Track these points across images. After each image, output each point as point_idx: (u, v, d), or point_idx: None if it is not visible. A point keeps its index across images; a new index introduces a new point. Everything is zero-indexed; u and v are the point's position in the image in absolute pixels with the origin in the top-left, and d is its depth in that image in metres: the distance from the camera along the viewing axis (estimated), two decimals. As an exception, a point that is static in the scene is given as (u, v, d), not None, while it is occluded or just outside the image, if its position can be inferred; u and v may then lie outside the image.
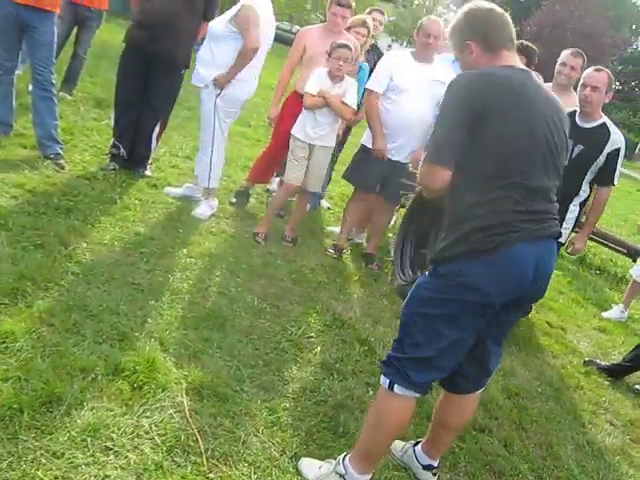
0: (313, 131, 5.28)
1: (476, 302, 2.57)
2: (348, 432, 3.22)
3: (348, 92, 5.26)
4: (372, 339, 4.23)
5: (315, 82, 5.24)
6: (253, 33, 5.22)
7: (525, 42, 5.28)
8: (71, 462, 2.52)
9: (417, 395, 2.73)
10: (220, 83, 5.33)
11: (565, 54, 5.48)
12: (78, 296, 3.66)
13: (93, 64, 9.47)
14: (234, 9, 5.26)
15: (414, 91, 5.23)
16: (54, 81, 5.67)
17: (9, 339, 3.09)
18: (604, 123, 4.87)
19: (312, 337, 4.07)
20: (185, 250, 4.70)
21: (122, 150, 5.91)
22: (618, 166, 4.90)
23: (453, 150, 2.54)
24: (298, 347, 3.90)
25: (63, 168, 5.48)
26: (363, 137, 5.61)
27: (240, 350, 3.65)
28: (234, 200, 6.16)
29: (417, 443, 3.17)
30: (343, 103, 5.24)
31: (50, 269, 3.84)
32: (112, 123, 5.97)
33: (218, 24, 5.35)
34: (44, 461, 2.48)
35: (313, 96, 5.21)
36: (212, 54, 5.34)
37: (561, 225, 4.37)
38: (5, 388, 2.77)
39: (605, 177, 4.93)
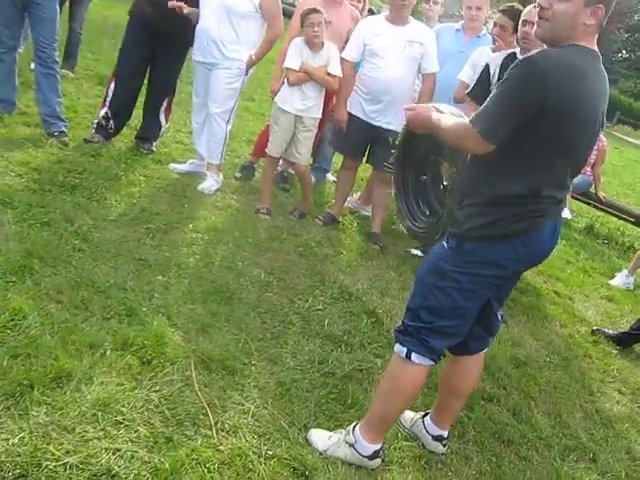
0: (301, 103, 5.19)
1: (497, 276, 2.66)
2: (357, 403, 3.24)
3: (332, 61, 5.14)
4: (380, 311, 4.23)
5: (294, 55, 5.12)
6: (281, 21, 5.33)
7: (517, 5, 5.13)
8: (82, 436, 2.54)
9: (432, 362, 2.75)
10: (252, 64, 5.38)
11: None
12: (85, 273, 3.67)
13: (95, 41, 9.42)
14: None
15: (390, 53, 5.14)
16: (57, 58, 5.63)
17: (18, 316, 3.09)
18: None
19: (319, 310, 4.07)
20: (191, 225, 4.70)
21: (111, 123, 5.85)
22: None
23: (507, 132, 2.42)
24: (306, 320, 3.91)
25: (67, 145, 5.46)
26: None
27: (248, 323, 3.66)
28: (239, 175, 6.14)
29: (426, 414, 3.19)
30: (328, 74, 5.15)
31: (57, 246, 3.84)
32: (109, 94, 5.90)
33: (242, 2, 5.26)
34: (55, 436, 2.50)
35: (296, 72, 5.11)
36: (236, 33, 5.31)
37: None
38: (15, 365, 2.78)
39: None
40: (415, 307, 2.73)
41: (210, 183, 5.54)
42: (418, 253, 5.39)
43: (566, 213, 8.25)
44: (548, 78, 2.33)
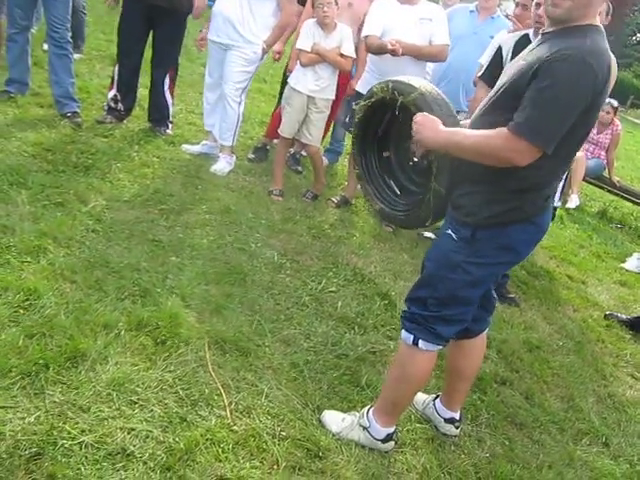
0: (314, 84, 5.17)
1: (510, 262, 2.72)
2: (370, 385, 3.24)
3: (345, 42, 5.12)
4: (392, 293, 4.22)
5: (306, 36, 5.11)
6: (292, 6, 5.38)
7: None
8: (97, 415, 2.55)
9: (440, 347, 2.75)
10: (265, 52, 5.43)
11: None
12: (99, 253, 3.68)
13: (107, 22, 9.40)
14: None
15: (401, 32, 5.07)
16: (70, 39, 5.62)
17: (32, 296, 3.11)
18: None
19: (333, 291, 4.07)
20: (204, 206, 4.70)
21: (120, 104, 5.87)
22: None
23: (559, 138, 2.32)
24: (319, 301, 3.91)
25: (80, 126, 5.47)
26: (357, 83, 5.51)
27: (261, 305, 3.67)
28: (252, 156, 6.13)
29: (437, 396, 3.19)
30: (341, 55, 5.13)
31: (71, 227, 3.85)
32: (115, 76, 5.91)
33: None
34: (71, 414, 2.52)
35: (308, 53, 5.09)
36: (253, 16, 5.33)
37: None
38: (30, 344, 2.80)
39: None
40: (423, 297, 2.70)
41: (223, 165, 5.53)
42: (431, 236, 5.37)
43: (575, 200, 8.21)
44: (597, 74, 2.27)
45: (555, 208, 5.98)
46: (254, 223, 4.67)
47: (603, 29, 2.42)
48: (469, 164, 2.49)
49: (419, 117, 2.62)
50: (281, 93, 6.35)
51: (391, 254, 4.93)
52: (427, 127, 2.58)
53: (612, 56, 2.47)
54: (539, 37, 2.53)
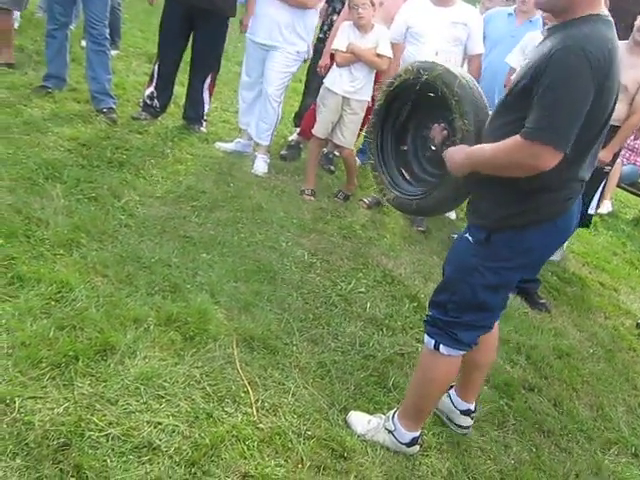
0: (350, 84, 5.15)
1: (528, 265, 2.63)
2: (397, 387, 3.24)
3: (381, 42, 5.08)
4: (422, 296, 4.20)
5: (342, 37, 5.11)
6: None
7: None
8: (125, 408, 2.58)
9: (463, 352, 2.72)
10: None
11: None
12: (131, 248, 3.71)
13: (144, 20, 9.50)
14: None
15: (434, 35, 5.05)
16: (108, 35, 5.68)
17: (64, 289, 3.15)
18: None
19: (362, 292, 4.07)
20: (236, 204, 4.71)
21: (156, 101, 5.92)
22: None
23: (574, 136, 2.26)
24: (348, 302, 3.91)
25: (115, 122, 5.52)
26: None
27: (290, 303, 3.67)
28: (285, 153, 6.14)
29: (450, 388, 3.14)
30: (377, 55, 5.09)
31: (104, 221, 3.89)
32: (155, 74, 5.94)
33: None
34: (99, 407, 2.54)
35: (344, 53, 5.09)
36: (297, 17, 5.37)
37: None
38: (61, 336, 2.83)
39: None
40: (443, 300, 2.68)
41: (262, 164, 5.55)
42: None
43: (607, 206, 8.08)
44: (593, 60, 2.20)
45: (590, 215, 5.91)
46: (285, 222, 4.68)
47: (609, 17, 2.36)
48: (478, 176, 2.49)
49: (448, 151, 2.60)
50: (304, 91, 6.37)
51: (421, 256, 4.91)
52: (455, 157, 2.57)
53: (617, 40, 2.35)
54: (545, 33, 2.49)
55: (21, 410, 2.42)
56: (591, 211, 5.87)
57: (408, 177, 3.16)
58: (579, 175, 2.46)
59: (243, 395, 2.86)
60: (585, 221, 5.93)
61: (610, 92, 2.32)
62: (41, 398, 2.51)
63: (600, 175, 5.57)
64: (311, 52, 5.61)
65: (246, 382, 2.93)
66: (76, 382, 2.63)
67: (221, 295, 3.54)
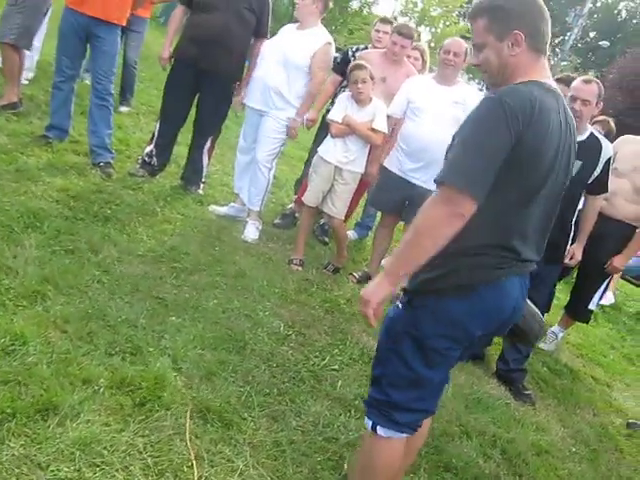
0: (343, 155, 5.12)
1: (456, 338, 2.38)
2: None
3: (377, 116, 5.07)
4: (398, 378, 4.04)
5: (339, 108, 5.12)
6: (324, 74, 5.48)
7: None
8: (55, 475, 2.43)
9: (403, 435, 2.52)
10: (300, 115, 5.48)
11: None
12: (99, 305, 3.60)
13: (162, 79, 9.53)
14: (315, 43, 5.32)
15: (433, 112, 5.03)
16: (112, 91, 5.72)
17: (18, 342, 3.03)
18: (592, 133, 4.69)
19: (335, 370, 3.91)
20: (219, 268, 4.60)
21: (154, 159, 5.89)
22: (610, 175, 4.80)
23: (488, 184, 2.16)
24: (318, 379, 3.75)
25: (110, 176, 5.49)
26: (385, 159, 5.44)
27: (255, 376, 3.52)
28: (278, 222, 6.08)
29: None
30: (372, 129, 5.07)
31: (76, 275, 3.80)
32: (155, 132, 5.95)
33: (301, 55, 5.34)
34: (26, 471, 2.40)
35: (339, 124, 5.08)
36: (288, 84, 5.37)
37: (565, 238, 4.72)
38: (2, 391, 2.70)
39: (600, 187, 4.80)
40: (378, 376, 2.53)
41: (252, 231, 5.49)
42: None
43: (609, 297, 7.89)
44: (517, 112, 2.14)
45: (590, 311, 5.76)
46: (266, 291, 4.55)
47: (552, 86, 2.34)
48: None
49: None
50: (307, 159, 6.37)
51: (405, 337, 4.74)
52: (369, 288, 2.35)
53: (554, 104, 2.30)
54: None
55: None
56: (592, 307, 5.72)
57: None
58: (508, 243, 2.31)
59: (186, 470, 2.69)
60: (584, 316, 5.79)
61: (537, 153, 2.23)
62: (-34, 457, 2.38)
63: (603, 274, 5.47)
64: (305, 119, 5.56)
65: (192, 456, 2.76)
66: (8, 442, 2.49)
67: (184, 361, 3.40)
